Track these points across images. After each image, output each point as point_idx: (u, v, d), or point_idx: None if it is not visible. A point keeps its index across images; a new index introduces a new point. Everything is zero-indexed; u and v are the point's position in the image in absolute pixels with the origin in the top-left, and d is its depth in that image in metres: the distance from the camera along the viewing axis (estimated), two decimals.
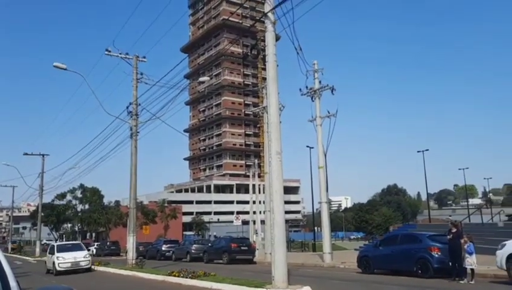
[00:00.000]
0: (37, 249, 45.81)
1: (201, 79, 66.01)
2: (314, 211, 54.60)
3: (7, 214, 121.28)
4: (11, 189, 61.09)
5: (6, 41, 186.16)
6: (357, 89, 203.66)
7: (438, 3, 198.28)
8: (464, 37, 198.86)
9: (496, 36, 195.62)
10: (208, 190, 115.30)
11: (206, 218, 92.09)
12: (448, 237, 14.36)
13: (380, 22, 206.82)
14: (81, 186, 61.92)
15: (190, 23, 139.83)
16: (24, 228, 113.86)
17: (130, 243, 22.32)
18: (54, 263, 21.17)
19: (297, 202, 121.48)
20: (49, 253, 22.93)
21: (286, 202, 13.02)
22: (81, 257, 21.71)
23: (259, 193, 36.77)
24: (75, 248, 22.95)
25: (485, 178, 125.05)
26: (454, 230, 14.39)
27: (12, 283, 2.50)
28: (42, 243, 56.60)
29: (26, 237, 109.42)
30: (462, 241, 13.87)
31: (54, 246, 23.19)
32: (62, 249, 22.38)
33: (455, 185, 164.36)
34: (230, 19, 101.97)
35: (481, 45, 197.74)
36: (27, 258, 41.74)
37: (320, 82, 24.81)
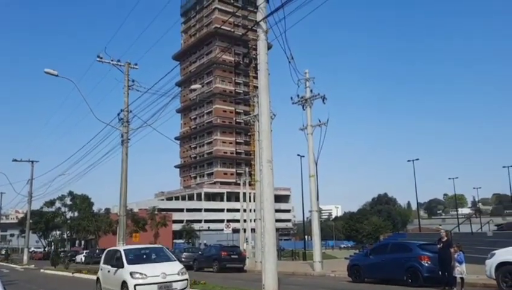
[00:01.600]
0: (25, 257, 45.18)
1: (192, 87, 66.12)
2: (305, 219, 54.61)
3: None
4: None
5: None
6: (347, 98, 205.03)
7: (430, 17, 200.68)
8: (454, 48, 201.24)
9: (487, 49, 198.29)
10: (199, 198, 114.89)
11: (196, 226, 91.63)
12: (439, 246, 14.44)
13: (370, 33, 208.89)
14: (71, 193, 61.43)
15: (182, 31, 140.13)
16: (12, 235, 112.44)
17: None
18: (124, 283, 11.67)
19: (287, 211, 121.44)
20: (107, 264, 13.34)
21: (276, 211, 13.04)
22: (173, 272, 11.90)
23: (250, 201, 36.75)
24: (159, 256, 13.25)
25: (474, 188, 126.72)
26: (444, 239, 14.48)
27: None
28: (30, 250, 55.93)
29: (13, 244, 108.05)
30: (452, 250, 13.95)
31: (119, 252, 13.02)
32: (136, 258, 12.82)
33: (445, 195, 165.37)
34: (223, 27, 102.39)
35: (470, 56, 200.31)
36: (14, 266, 41.18)
37: (311, 91, 24.95)
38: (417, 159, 55.52)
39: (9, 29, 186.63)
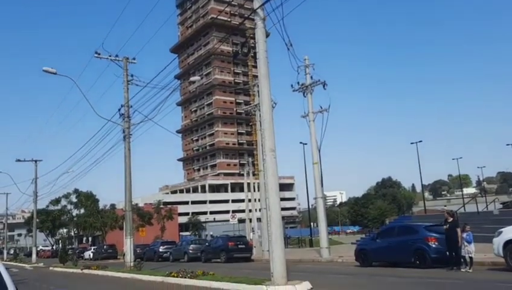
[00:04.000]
0: (34, 256, 45.47)
1: (192, 79, 65.95)
2: (310, 206, 54.74)
3: (1, 222, 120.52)
4: (4, 196, 60.75)
5: None
6: (348, 81, 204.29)
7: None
8: (454, 26, 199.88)
9: (487, 24, 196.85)
10: (203, 190, 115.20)
11: (202, 218, 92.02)
12: (445, 227, 14.45)
13: (369, 11, 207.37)
14: (76, 191, 61.63)
15: (179, 23, 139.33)
16: (19, 235, 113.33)
17: (127, 245, 22.21)
18: None
19: (292, 199, 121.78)
20: None
21: (281, 199, 13.03)
22: None
23: (254, 191, 36.76)
24: None
25: (478, 167, 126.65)
26: (450, 220, 14.48)
27: (11, 289, 2.48)
28: (38, 249, 56.27)
29: (21, 243, 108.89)
30: (459, 230, 13.97)
31: None
32: None
33: (449, 175, 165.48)
34: (219, 17, 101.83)
35: (470, 34, 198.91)
36: (23, 265, 41.44)
37: (311, 77, 24.75)
38: (420, 141, 55.41)
39: (4, 30, 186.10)
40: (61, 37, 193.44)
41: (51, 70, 21.14)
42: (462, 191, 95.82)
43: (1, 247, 79.98)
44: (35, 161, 44.73)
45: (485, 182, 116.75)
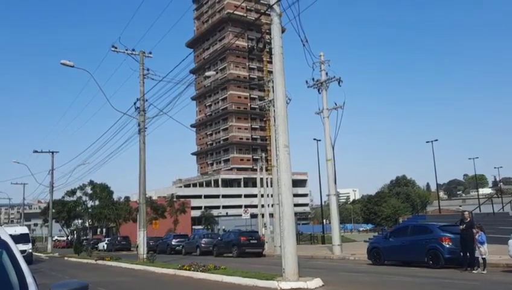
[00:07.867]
0: (49, 246, 46.17)
1: (207, 74, 66.05)
2: (323, 203, 54.56)
3: (18, 211, 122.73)
4: (21, 186, 61.61)
5: (13, 39, 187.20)
6: (364, 78, 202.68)
7: None
8: (470, 22, 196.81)
9: (502, 22, 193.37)
10: (216, 184, 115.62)
11: (214, 212, 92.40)
12: (461, 227, 14.29)
13: (387, 8, 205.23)
14: (91, 182, 62.28)
15: (195, 18, 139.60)
16: (35, 224, 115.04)
17: (141, 238, 22.44)
18: None
19: (305, 195, 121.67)
20: None
21: (294, 195, 13.03)
22: None
23: (267, 186, 36.79)
24: None
25: (495, 167, 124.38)
26: (467, 220, 14.32)
27: (29, 278, 2.52)
28: (54, 239, 57.10)
29: (37, 233, 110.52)
30: (474, 231, 13.83)
31: None
32: None
33: (465, 175, 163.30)
34: (235, 12, 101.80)
35: (486, 29, 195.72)
36: (39, 254, 42.09)
37: (327, 74, 24.66)
38: (436, 140, 54.61)
39: (25, 23, 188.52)
40: (78, 33, 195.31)
41: (68, 63, 21.37)
42: (477, 191, 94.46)
43: None
44: (52, 153, 45.35)
45: (501, 183, 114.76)
